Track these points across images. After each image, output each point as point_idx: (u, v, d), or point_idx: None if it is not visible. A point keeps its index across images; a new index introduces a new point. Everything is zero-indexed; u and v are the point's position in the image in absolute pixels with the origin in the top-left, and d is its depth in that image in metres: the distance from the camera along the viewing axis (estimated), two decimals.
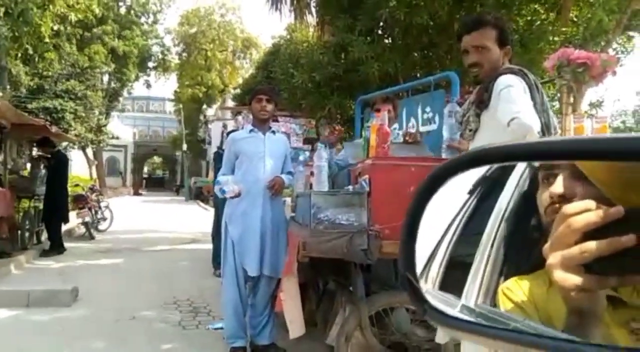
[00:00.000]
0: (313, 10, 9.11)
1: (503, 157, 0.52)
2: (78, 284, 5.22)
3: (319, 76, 6.73)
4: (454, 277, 0.95)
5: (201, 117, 33.98)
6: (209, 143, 7.82)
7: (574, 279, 0.46)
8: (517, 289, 0.82)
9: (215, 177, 6.82)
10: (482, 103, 2.16)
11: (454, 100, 3.12)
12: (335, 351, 2.72)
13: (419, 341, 2.74)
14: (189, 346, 3.77)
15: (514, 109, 1.99)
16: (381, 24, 6.80)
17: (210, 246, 7.02)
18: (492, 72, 2.17)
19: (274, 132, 3.65)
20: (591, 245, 0.44)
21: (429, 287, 0.73)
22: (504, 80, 2.07)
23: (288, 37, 14.67)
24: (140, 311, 4.65)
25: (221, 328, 4.13)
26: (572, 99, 2.80)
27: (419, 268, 0.57)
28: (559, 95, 3.56)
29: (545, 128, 2.09)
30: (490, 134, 2.11)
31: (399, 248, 0.55)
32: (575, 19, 6.48)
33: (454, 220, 0.88)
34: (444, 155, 2.73)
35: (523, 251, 1.06)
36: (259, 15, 42.57)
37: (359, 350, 2.75)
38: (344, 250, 2.48)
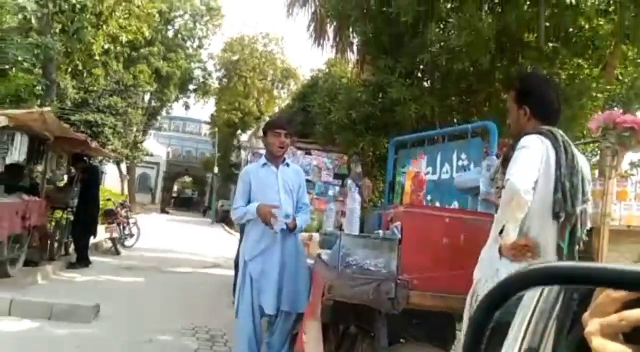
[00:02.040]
0: (355, 48, 9.27)
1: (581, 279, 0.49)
2: (100, 300, 5.26)
3: (355, 114, 6.78)
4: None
5: (235, 142, 34.54)
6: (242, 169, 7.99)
7: (612, 347, 0.45)
8: None
9: None
10: (507, 161, 2.15)
11: (493, 153, 3.09)
12: None
13: None
14: None
15: (513, 170, 2.02)
16: (421, 67, 6.86)
17: (231, 273, 7.02)
18: (518, 132, 2.22)
19: (287, 165, 3.59)
20: (631, 314, 0.44)
21: None
22: (524, 141, 2.09)
23: (327, 71, 14.89)
24: (158, 335, 4.65)
25: None
26: (615, 162, 2.73)
27: None
28: (599, 155, 3.49)
29: (570, 191, 2.04)
30: None
31: None
32: (620, 77, 6.39)
33: None
34: (479, 209, 2.68)
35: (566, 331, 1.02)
36: (300, 47, 43.58)
37: None
38: (370, 297, 2.44)
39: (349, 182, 5.36)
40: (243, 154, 26.34)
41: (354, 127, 6.89)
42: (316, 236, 4.03)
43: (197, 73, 32.97)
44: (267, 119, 27.88)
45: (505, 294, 0.50)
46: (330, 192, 6.87)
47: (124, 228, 10.88)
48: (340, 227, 3.86)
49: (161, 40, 27.22)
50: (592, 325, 0.47)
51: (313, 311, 2.81)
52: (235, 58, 33.57)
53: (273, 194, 3.41)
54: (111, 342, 4.32)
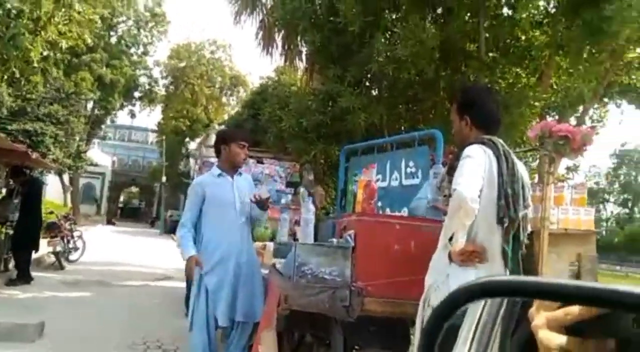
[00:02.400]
0: (303, 56, 9.35)
1: (518, 292, 0.55)
2: (44, 317, 5.04)
3: (306, 122, 6.85)
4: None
5: (183, 150, 33.89)
6: (191, 178, 7.81)
7: (557, 339, 0.50)
8: None
9: None
10: (452, 170, 2.25)
11: (439, 161, 3.21)
12: None
13: None
14: None
15: (459, 179, 2.12)
16: (369, 76, 7.02)
17: (182, 284, 6.89)
18: (461, 141, 2.34)
19: (240, 173, 3.59)
20: (575, 309, 0.49)
21: None
22: (467, 150, 2.20)
23: (276, 78, 14.92)
24: (108, 351, 4.50)
25: None
26: (552, 168, 2.91)
27: None
28: (538, 160, 3.68)
29: (512, 197, 2.17)
30: None
31: None
32: (555, 86, 6.77)
33: None
34: (427, 216, 2.78)
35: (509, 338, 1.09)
36: (248, 55, 43.39)
37: None
38: (326, 305, 2.48)
39: (302, 190, 5.40)
40: (191, 162, 25.89)
41: (305, 135, 6.95)
42: (270, 245, 4.04)
43: (143, 80, 32.09)
44: (217, 126, 27.52)
45: (453, 306, 0.55)
46: (283, 200, 6.88)
47: (68, 241, 10.44)
48: (294, 236, 3.89)
49: (103, 46, 26.34)
50: (539, 319, 0.52)
51: (268, 320, 2.82)
52: (182, 65, 33.02)
53: (228, 206, 3.39)
54: None
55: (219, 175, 3.47)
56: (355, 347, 2.79)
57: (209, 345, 3.30)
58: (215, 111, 33.04)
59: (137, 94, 32.07)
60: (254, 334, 3.29)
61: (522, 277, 0.51)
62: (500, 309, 1.10)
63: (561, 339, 0.50)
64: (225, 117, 27.20)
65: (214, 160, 8.33)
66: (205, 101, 32.97)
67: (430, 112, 7.07)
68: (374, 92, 7.30)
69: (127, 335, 5.09)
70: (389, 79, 6.62)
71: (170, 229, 26.82)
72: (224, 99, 34.18)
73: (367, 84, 7.15)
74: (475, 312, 1.08)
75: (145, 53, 31.14)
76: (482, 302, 1.05)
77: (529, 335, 0.56)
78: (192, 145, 32.49)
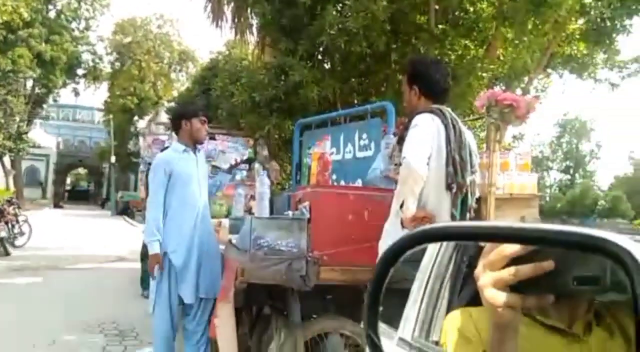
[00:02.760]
0: (254, 30, 9.17)
1: (449, 236, 0.61)
2: None
3: (258, 96, 6.76)
4: (392, 306, 1.02)
5: (132, 129, 32.85)
6: (141, 157, 7.56)
7: (503, 297, 0.53)
8: (462, 318, 0.90)
9: (147, 194, 6.64)
10: (402, 140, 2.30)
11: (391, 132, 3.25)
12: None
13: None
14: None
15: (407, 148, 2.18)
16: (321, 49, 6.97)
17: (137, 265, 6.78)
18: (411, 111, 2.38)
19: (199, 150, 3.52)
20: (519, 269, 0.52)
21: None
22: (415, 119, 2.25)
23: (227, 53, 14.60)
24: (61, 335, 4.40)
25: None
26: (498, 136, 3.01)
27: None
28: (486, 130, 3.80)
29: (460, 164, 2.24)
30: None
31: (365, 309, 0.61)
32: (502, 58, 6.94)
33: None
34: (381, 185, 2.83)
35: (458, 287, 1.15)
36: (197, 29, 42.14)
37: None
38: (283, 276, 2.51)
39: (256, 165, 5.37)
40: (141, 141, 25.12)
41: (258, 110, 6.87)
42: (225, 222, 4.01)
43: (86, 57, 30.69)
44: (166, 103, 26.74)
45: (399, 252, 0.59)
46: (238, 176, 6.82)
47: (13, 226, 10.03)
48: (249, 211, 3.88)
49: (42, 21, 24.98)
50: (485, 278, 0.55)
51: (225, 295, 2.82)
52: (128, 40, 31.77)
53: (193, 183, 3.30)
54: (10, 348, 4.03)
55: (184, 151, 3.35)
56: (312, 316, 2.84)
57: (172, 324, 3.26)
58: (164, 88, 32.09)
59: (80, 72, 30.68)
60: (214, 309, 3.28)
61: (454, 223, 0.55)
62: (449, 265, 1.15)
63: (505, 296, 0.53)
64: (175, 93, 26.49)
65: (164, 137, 8.13)
66: (154, 78, 31.94)
67: (383, 85, 7.13)
68: (327, 66, 7.27)
69: (81, 319, 4.99)
70: (341, 52, 6.60)
71: (122, 210, 26.20)
72: (172, 75, 33.23)
73: (320, 57, 7.10)
74: (426, 269, 1.12)
75: (87, 28, 29.72)
76: (432, 259, 1.10)
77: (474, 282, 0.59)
78: (142, 124, 31.56)
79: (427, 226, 0.61)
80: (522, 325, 0.58)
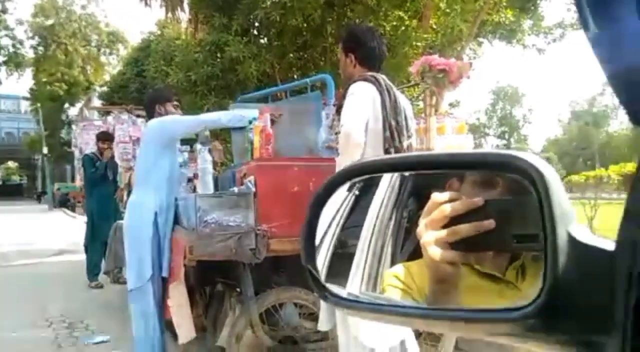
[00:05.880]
0: (185, 6, 8.88)
1: (375, 169, 0.67)
2: None
3: (195, 75, 6.61)
4: (339, 269, 1.07)
5: (63, 117, 31.24)
6: (75, 146, 7.18)
7: (444, 254, 0.56)
8: (401, 272, 0.95)
9: (87, 181, 6.38)
10: (341, 109, 2.34)
11: (331, 103, 3.29)
12: (227, 351, 2.74)
13: (307, 332, 2.87)
14: None
15: (345, 117, 2.22)
16: (257, 24, 6.87)
17: (81, 257, 6.57)
18: (347, 79, 2.41)
19: None
20: (460, 228, 0.55)
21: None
22: (352, 88, 2.29)
23: (159, 33, 14.10)
24: (7, 332, 4.22)
25: (101, 342, 3.93)
26: (434, 101, 3.10)
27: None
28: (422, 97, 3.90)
29: (397, 129, 2.31)
30: None
31: (301, 245, 0.64)
32: (435, 27, 7.10)
33: (338, 216, 1.01)
34: (323, 155, 2.87)
35: (401, 242, 1.21)
36: (125, 9, 40.20)
37: (250, 348, 2.81)
38: (233, 251, 2.52)
39: (198, 146, 5.27)
40: (74, 128, 24.01)
41: (195, 89, 6.73)
42: None
43: (5, 42, 28.77)
44: (98, 88, 25.50)
45: (330, 190, 0.63)
46: (180, 159, 6.67)
47: None
48: (194, 191, 3.83)
49: None
50: (428, 236, 0.58)
51: (176, 274, 2.80)
52: (50, 22, 29.94)
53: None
54: None
55: None
56: (265, 289, 2.87)
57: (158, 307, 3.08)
58: (95, 72, 30.62)
59: (0, 58, 28.73)
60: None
61: (377, 157, 0.59)
62: (393, 214, 1.21)
63: (447, 253, 0.56)
64: (107, 77, 25.32)
65: (98, 123, 7.80)
66: (82, 62, 30.37)
67: (321, 58, 7.13)
68: (263, 41, 7.19)
69: (26, 315, 4.80)
70: (277, 26, 6.54)
71: (61, 202, 25.05)
72: (103, 59, 31.72)
73: (255, 32, 7.01)
74: (372, 217, 1.17)
75: (3, 11, 27.75)
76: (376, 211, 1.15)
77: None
78: (73, 111, 30.07)
79: (354, 163, 0.65)
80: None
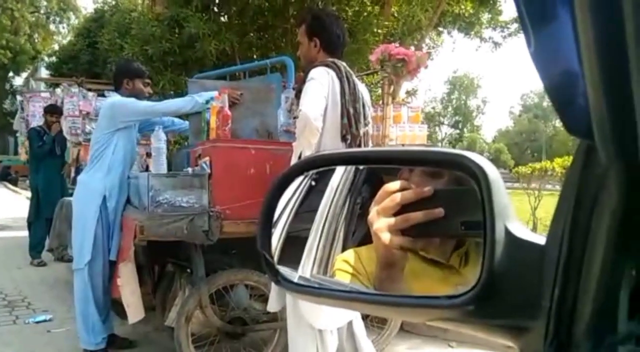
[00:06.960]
0: None
1: (331, 162, 0.70)
2: None
3: (151, 50, 6.40)
4: (291, 253, 1.09)
5: (7, 87, 29.65)
6: (22, 118, 6.79)
7: (394, 240, 0.59)
8: (351, 257, 0.98)
9: (33, 155, 6.12)
10: (300, 93, 2.35)
11: (290, 86, 3.28)
12: (176, 331, 2.72)
13: (257, 313, 2.89)
14: (6, 345, 3.42)
15: (304, 101, 2.23)
16: (217, 1, 6.72)
17: (23, 233, 6.33)
18: (307, 64, 2.41)
19: None
20: (410, 215, 0.58)
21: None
22: (312, 73, 2.30)
23: (113, 3, 13.54)
24: None
25: (43, 321, 3.83)
26: (391, 90, 3.15)
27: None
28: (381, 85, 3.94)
29: (354, 116, 2.34)
30: None
31: (258, 231, 0.65)
32: (396, 15, 7.15)
33: (290, 201, 1.03)
34: (281, 139, 2.87)
35: (353, 228, 1.24)
36: None
37: (199, 328, 2.81)
38: (185, 232, 2.50)
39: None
40: (18, 99, 22.87)
41: (151, 64, 6.50)
42: None
43: None
44: (46, 58, 24.28)
45: (289, 179, 0.64)
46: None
47: None
48: (147, 170, 3.75)
49: None
50: (379, 223, 0.60)
51: (126, 253, 2.76)
52: None
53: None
54: None
55: None
56: (216, 271, 2.87)
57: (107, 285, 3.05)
58: (43, 41, 29.13)
59: None
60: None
61: (334, 151, 0.61)
62: (344, 209, 1.24)
63: (397, 239, 0.59)
64: (56, 47, 24.12)
65: (45, 94, 7.45)
66: (29, 29, 28.79)
67: (282, 40, 7.05)
68: (224, 19, 7.03)
69: None
70: (238, 4, 6.42)
71: (3, 176, 23.88)
72: (52, 27, 30.19)
73: (216, 9, 6.84)
74: (326, 203, 1.19)
75: None
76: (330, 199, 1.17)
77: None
78: (18, 81, 28.60)
79: (308, 156, 0.67)
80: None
